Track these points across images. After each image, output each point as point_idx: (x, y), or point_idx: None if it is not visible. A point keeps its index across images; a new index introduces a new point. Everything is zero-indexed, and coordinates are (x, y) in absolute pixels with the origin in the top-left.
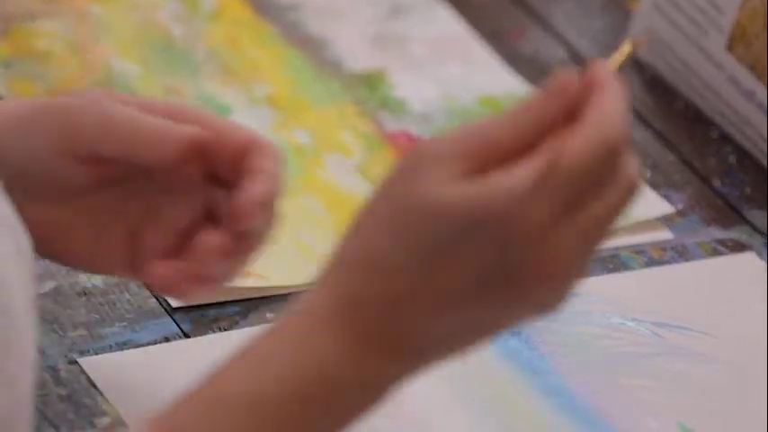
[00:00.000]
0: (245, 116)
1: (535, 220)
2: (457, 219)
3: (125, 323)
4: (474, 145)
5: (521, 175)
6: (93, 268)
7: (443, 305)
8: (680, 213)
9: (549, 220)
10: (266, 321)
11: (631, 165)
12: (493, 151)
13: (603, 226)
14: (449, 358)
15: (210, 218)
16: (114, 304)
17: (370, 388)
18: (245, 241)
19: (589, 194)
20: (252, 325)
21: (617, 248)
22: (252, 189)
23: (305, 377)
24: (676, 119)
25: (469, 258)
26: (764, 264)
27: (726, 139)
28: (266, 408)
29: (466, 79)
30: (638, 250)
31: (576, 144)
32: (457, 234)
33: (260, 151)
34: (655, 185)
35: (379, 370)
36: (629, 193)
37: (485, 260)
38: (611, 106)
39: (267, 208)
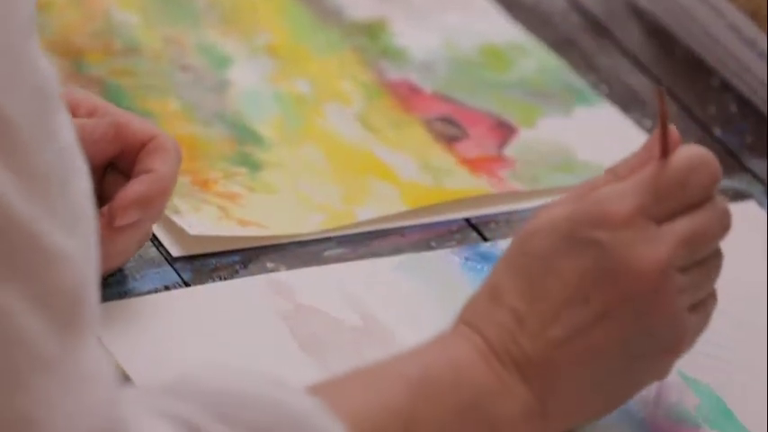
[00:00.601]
0: (246, 66)
1: (619, 212)
2: (550, 232)
3: (125, 272)
4: (579, 189)
5: (607, 187)
6: None
7: (551, 320)
8: None
9: (635, 212)
10: (266, 270)
11: (725, 201)
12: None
13: (699, 243)
14: (588, 407)
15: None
16: None
17: (507, 399)
18: (125, 233)
19: (682, 208)
20: (252, 274)
21: None
22: (130, 189)
23: (445, 370)
24: (676, 67)
25: (567, 269)
26: (765, 212)
27: (726, 87)
28: (417, 383)
29: (467, 28)
30: None
31: (673, 157)
32: (552, 247)
33: (156, 148)
34: None
35: (510, 382)
36: (723, 221)
37: (580, 267)
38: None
39: (148, 206)
